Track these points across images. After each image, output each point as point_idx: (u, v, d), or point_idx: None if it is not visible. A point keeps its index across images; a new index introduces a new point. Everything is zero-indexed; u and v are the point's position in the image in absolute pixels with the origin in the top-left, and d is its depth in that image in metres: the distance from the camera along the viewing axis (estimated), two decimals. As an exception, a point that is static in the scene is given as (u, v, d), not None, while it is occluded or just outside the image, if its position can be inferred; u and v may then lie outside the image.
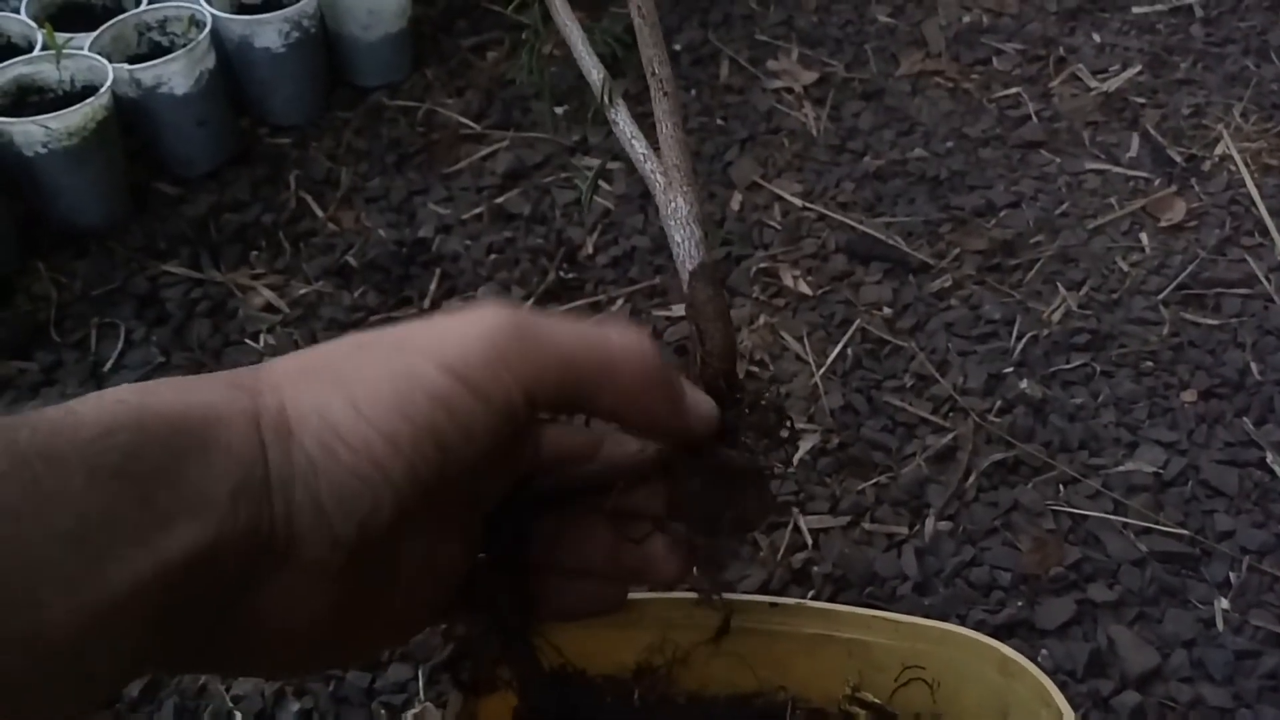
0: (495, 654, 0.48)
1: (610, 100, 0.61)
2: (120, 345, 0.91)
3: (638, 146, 0.56)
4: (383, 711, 0.68)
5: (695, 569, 0.51)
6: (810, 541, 0.76)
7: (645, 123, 0.61)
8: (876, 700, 0.49)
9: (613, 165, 1.07)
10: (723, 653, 0.54)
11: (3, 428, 0.25)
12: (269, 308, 0.94)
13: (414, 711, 0.68)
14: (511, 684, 0.48)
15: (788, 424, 0.47)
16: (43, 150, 0.95)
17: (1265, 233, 0.99)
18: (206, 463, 0.27)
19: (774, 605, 0.55)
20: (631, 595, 0.55)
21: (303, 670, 0.33)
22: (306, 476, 0.28)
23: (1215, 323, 0.91)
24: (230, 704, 0.68)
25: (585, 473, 0.59)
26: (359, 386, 0.29)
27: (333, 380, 0.29)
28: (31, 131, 0.94)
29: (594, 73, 0.65)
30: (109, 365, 0.89)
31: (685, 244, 0.49)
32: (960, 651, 0.52)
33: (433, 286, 0.96)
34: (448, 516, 0.33)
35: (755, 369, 0.88)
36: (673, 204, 0.51)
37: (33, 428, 0.25)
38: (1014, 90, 1.15)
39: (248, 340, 0.91)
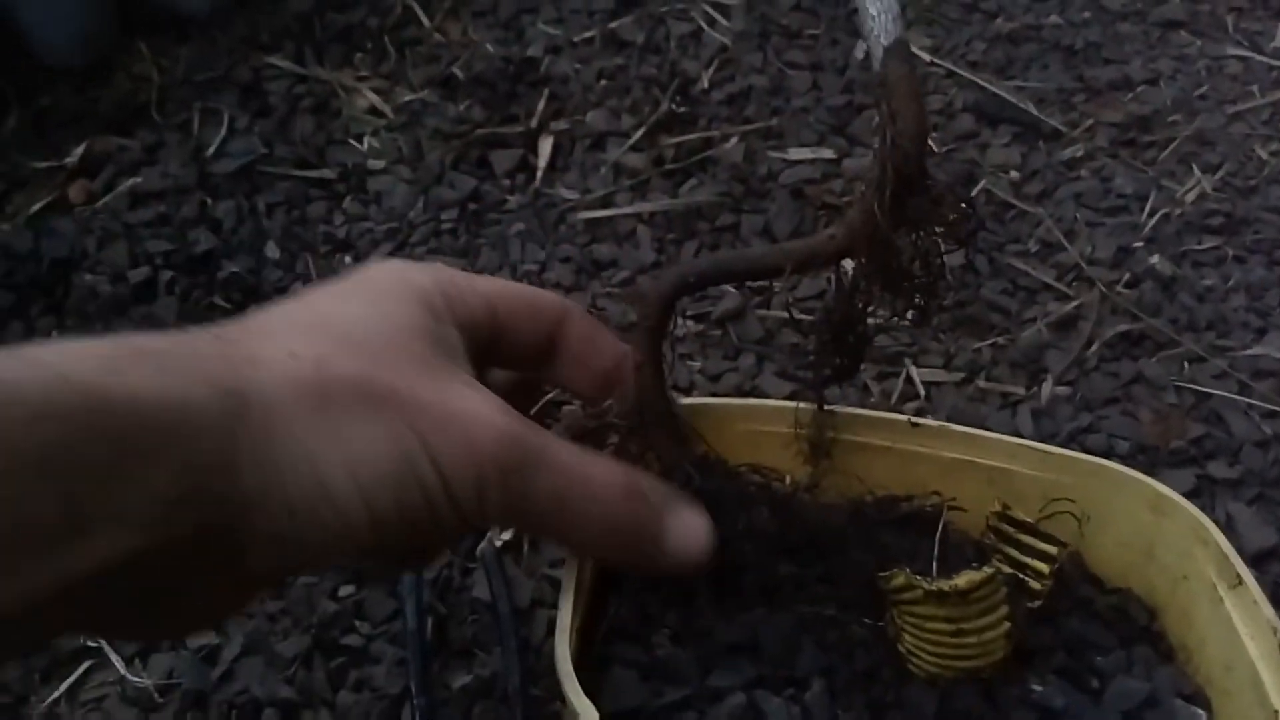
0: (640, 431, 0.47)
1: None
2: (224, 132, 0.88)
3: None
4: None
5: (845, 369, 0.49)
6: (923, 393, 0.74)
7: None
8: (1029, 519, 0.47)
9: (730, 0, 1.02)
10: (857, 472, 0.53)
11: None
12: (373, 111, 0.91)
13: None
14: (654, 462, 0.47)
15: (972, 216, 0.44)
16: (151, -77, 0.91)
17: None
18: (157, 464, 0.25)
19: (915, 425, 0.53)
20: (776, 402, 0.54)
21: (196, 632, 0.37)
22: (277, 513, 0.28)
23: (1357, 219, 0.87)
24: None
25: (750, 255, 0.56)
26: (362, 449, 0.29)
27: (333, 429, 0.29)
28: (141, -98, 0.90)
29: None
30: (211, 150, 0.87)
31: (881, 18, 0.46)
32: (1109, 487, 0.50)
33: (540, 107, 0.92)
34: None
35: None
36: (872, -23, 0.47)
37: None
38: (1159, -35, 1.08)
39: (352, 141, 0.89)
